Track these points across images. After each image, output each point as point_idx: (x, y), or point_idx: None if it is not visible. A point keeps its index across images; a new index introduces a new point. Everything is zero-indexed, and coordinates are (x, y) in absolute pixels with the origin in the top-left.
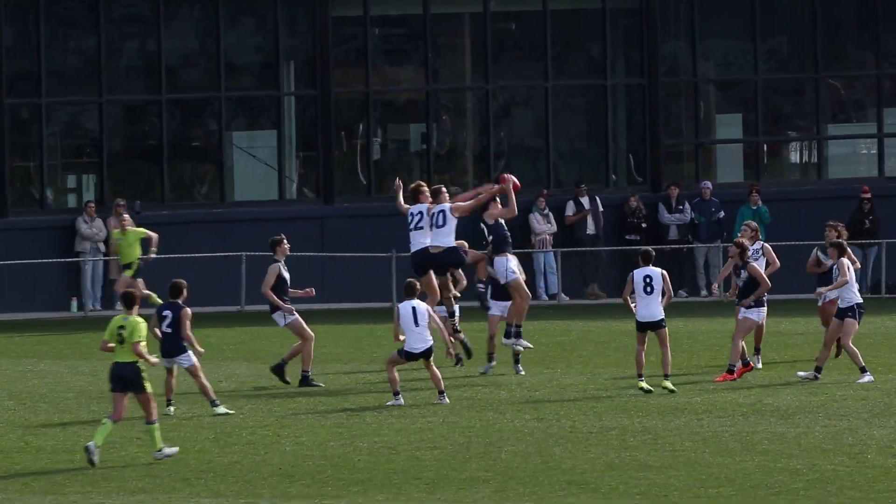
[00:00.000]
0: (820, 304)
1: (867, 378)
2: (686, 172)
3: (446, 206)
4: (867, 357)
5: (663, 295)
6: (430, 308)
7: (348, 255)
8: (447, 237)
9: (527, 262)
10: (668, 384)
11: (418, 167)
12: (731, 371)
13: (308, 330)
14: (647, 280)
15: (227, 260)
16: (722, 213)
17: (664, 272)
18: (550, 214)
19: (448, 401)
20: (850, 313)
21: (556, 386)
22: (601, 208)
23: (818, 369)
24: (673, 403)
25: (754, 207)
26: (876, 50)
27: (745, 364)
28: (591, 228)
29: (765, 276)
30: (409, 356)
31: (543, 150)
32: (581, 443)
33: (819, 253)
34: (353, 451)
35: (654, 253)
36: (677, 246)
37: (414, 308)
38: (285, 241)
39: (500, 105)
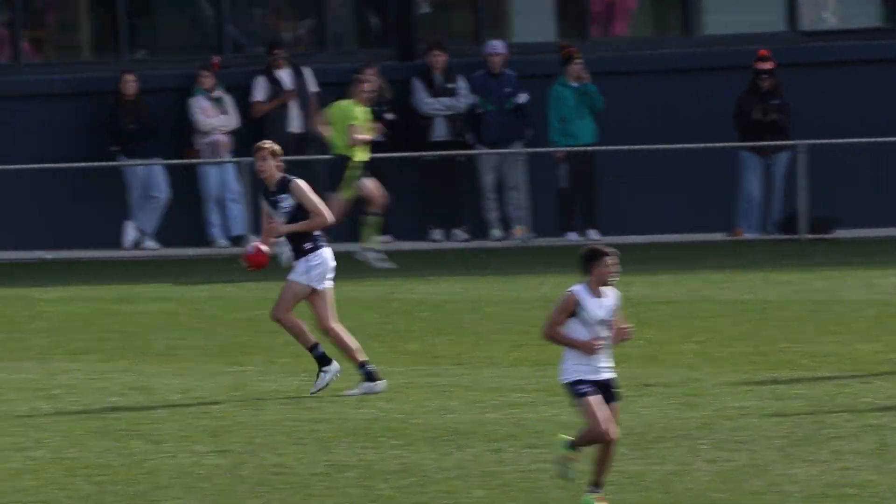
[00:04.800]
0: None
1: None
2: (459, 27)
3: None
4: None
5: None
6: None
7: None
8: None
9: (190, 182)
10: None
11: None
12: None
13: None
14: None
15: None
16: (525, 97)
17: None
18: (227, 99)
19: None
20: None
21: (250, 395)
22: (315, 88)
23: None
24: (451, 424)
25: (576, 85)
26: None
27: None
28: (296, 123)
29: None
30: None
31: None
32: (296, 491)
33: None
34: None
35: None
36: (448, 153)
37: None
38: None
39: None
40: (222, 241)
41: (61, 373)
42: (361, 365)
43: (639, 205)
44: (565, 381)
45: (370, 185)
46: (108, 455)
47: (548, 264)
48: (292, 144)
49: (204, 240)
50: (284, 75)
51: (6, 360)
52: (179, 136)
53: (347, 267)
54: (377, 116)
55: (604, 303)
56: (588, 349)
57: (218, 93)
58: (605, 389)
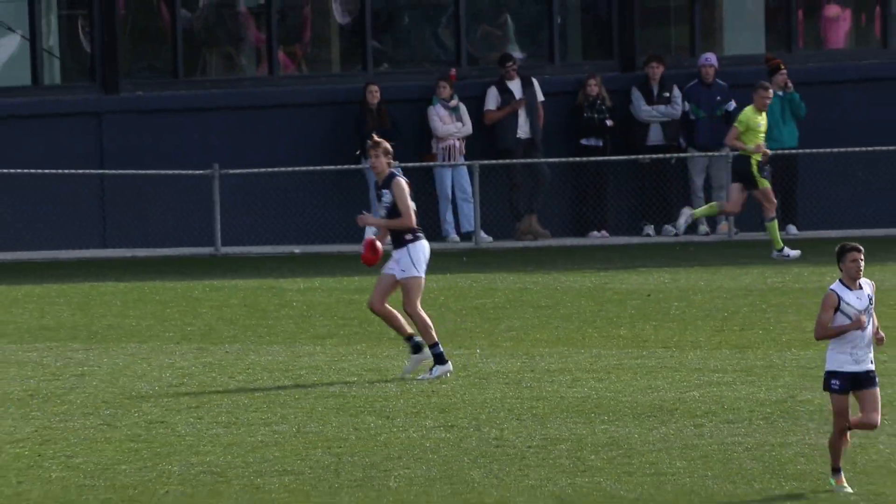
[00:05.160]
0: None
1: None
2: (675, 40)
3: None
4: None
5: None
6: None
7: (143, 172)
8: None
9: (426, 183)
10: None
11: (251, 35)
12: None
13: None
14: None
15: None
16: (733, 105)
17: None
18: (462, 107)
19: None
20: None
21: (474, 375)
22: (541, 97)
23: None
24: (656, 401)
25: (780, 94)
26: None
27: None
28: (524, 129)
29: None
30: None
31: (448, 6)
32: (513, 463)
33: None
34: (158, 479)
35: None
36: (662, 155)
37: None
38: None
39: None
40: (454, 237)
41: (305, 355)
42: (409, 338)
43: (835, 202)
44: (826, 370)
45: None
46: (345, 429)
47: (750, 257)
48: (520, 150)
49: (438, 235)
50: (514, 86)
51: (256, 343)
52: (419, 141)
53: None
54: (599, 122)
55: (861, 294)
56: (856, 326)
57: (454, 102)
58: (866, 378)
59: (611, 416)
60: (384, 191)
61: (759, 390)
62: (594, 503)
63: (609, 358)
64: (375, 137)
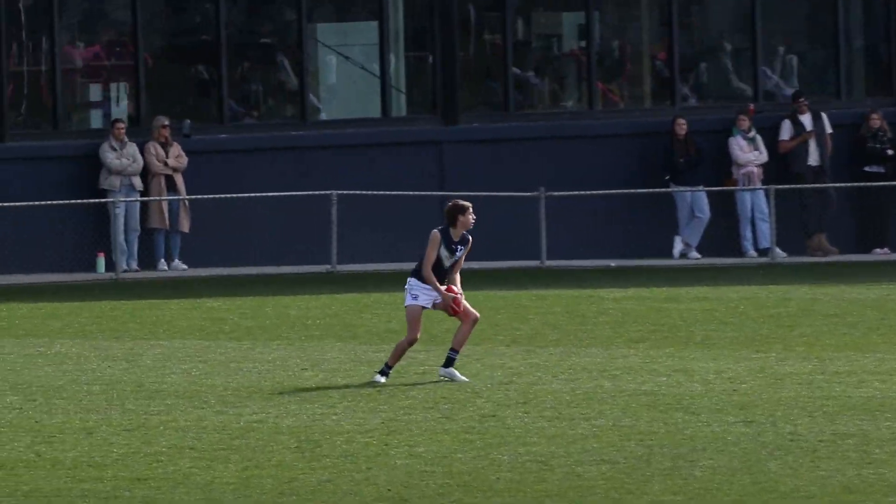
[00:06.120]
0: None
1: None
2: None
3: None
4: None
5: None
6: None
7: (478, 194)
8: None
9: (727, 204)
10: None
11: (574, 73)
12: None
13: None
14: None
15: (310, 201)
16: None
17: None
18: (759, 138)
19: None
20: None
21: (771, 376)
22: (829, 129)
23: None
24: None
25: None
26: None
27: None
28: (814, 157)
29: None
30: None
31: (748, 51)
32: (806, 455)
33: None
34: (490, 466)
35: None
36: None
37: None
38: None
39: None
40: (752, 252)
41: (620, 357)
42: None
43: None
44: None
45: None
46: (655, 424)
47: None
48: (810, 175)
49: (737, 251)
50: (805, 119)
51: (577, 346)
52: (720, 168)
53: (850, 272)
54: (881, 151)
55: None
56: None
57: (752, 133)
58: None
59: (894, 414)
60: (461, 246)
61: None
62: (879, 493)
63: (892, 362)
64: (468, 203)
